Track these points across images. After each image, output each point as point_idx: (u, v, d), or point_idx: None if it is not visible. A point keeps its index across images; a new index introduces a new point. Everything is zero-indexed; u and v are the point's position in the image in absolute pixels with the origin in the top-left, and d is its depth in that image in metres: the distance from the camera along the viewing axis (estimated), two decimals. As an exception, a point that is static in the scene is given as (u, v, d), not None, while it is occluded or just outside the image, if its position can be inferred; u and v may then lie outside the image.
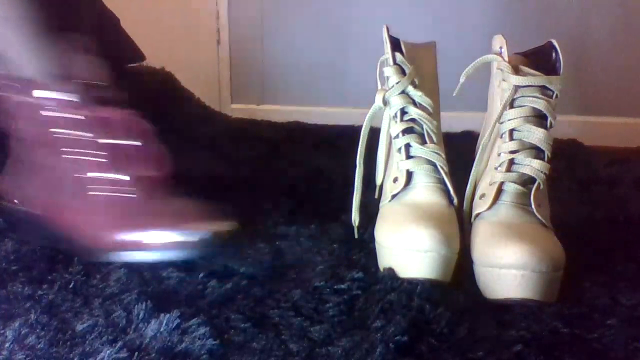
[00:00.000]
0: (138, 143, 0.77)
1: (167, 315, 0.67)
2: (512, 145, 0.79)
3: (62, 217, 0.78)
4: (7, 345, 0.63)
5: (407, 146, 0.83)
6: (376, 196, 0.90)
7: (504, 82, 0.80)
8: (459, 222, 0.81)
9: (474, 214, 0.81)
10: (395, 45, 0.85)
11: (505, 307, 0.71)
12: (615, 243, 0.88)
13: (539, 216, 0.78)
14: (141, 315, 0.68)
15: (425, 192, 0.81)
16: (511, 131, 0.80)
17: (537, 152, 0.79)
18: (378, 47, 0.87)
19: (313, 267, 0.79)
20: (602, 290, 0.75)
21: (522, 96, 0.79)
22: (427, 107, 0.83)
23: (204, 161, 1.06)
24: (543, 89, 0.79)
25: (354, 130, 0.90)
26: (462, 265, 0.77)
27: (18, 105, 0.77)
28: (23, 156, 0.80)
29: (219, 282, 0.74)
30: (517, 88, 0.79)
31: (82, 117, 0.76)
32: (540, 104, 0.79)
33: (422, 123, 0.83)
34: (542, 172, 0.79)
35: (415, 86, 0.83)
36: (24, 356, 0.62)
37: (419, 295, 0.70)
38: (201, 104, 1.33)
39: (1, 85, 0.78)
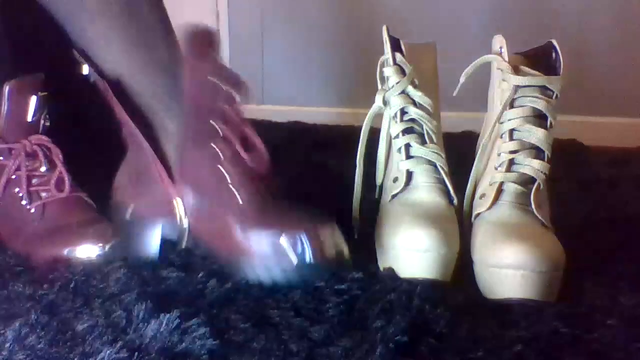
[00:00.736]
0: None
1: (167, 315, 0.67)
2: (512, 145, 0.79)
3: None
4: (7, 345, 0.63)
5: (407, 146, 0.83)
6: (376, 196, 0.90)
7: (504, 82, 0.80)
8: (459, 222, 0.81)
9: (474, 214, 0.81)
10: (395, 45, 0.85)
11: (505, 307, 0.71)
12: (615, 243, 0.88)
13: (539, 216, 0.78)
14: (141, 316, 0.67)
15: (425, 192, 0.81)
16: (511, 131, 0.80)
17: (537, 152, 0.79)
18: (378, 47, 0.87)
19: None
20: (602, 290, 0.75)
21: (522, 96, 0.79)
22: (427, 107, 0.83)
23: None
24: (543, 89, 0.79)
25: (354, 130, 0.90)
26: (462, 265, 0.77)
27: None
28: None
29: (219, 282, 0.74)
30: (517, 88, 0.79)
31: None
32: (540, 104, 0.79)
33: (422, 123, 0.83)
34: (542, 172, 0.79)
35: (415, 86, 0.83)
36: (24, 356, 0.62)
37: (419, 295, 0.70)
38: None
39: None
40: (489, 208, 0.79)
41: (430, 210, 0.79)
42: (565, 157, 1.13)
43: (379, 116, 0.86)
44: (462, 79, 0.82)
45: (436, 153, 0.82)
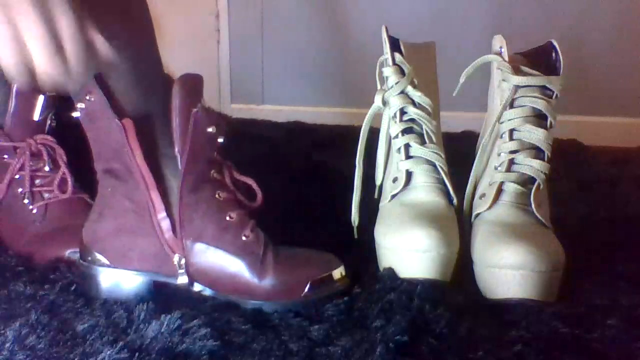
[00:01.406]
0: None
1: (168, 316, 0.67)
2: (512, 145, 0.79)
3: None
4: (7, 345, 0.63)
5: (407, 146, 0.83)
6: (376, 196, 0.90)
7: (504, 82, 0.80)
8: (459, 222, 0.81)
9: (474, 214, 0.81)
10: (395, 45, 0.85)
11: (505, 307, 0.71)
12: (615, 243, 0.88)
13: (538, 216, 0.78)
14: (142, 316, 0.68)
15: (425, 192, 0.81)
16: (511, 131, 0.80)
17: (537, 152, 0.79)
18: (378, 47, 0.87)
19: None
20: (602, 290, 0.75)
21: (522, 96, 0.79)
22: (427, 107, 0.83)
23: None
24: (543, 89, 0.79)
25: (354, 130, 0.90)
26: (462, 265, 0.77)
27: None
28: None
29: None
30: (517, 88, 0.79)
31: None
32: (540, 104, 0.79)
33: (422, 123, 0.83)
34: (542, 172, 0.79)
35: (414, 86, 0.83)
36: (25, 356, 0.62)
37: (419, 295, 0.70)
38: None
39: None
40: (489, 208, 0.79)
41: (429, 210, 0.79)
42: (565, 157, 1.13)
43: (378, 116, 0.86)
44: (462, 79, 0.82)
45: (436, 153, 0.82)
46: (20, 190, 0.85)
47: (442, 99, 0.91)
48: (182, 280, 0.72)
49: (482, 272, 0.75)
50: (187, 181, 0.71)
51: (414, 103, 0.84)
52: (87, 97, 0.68)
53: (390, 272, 0.76)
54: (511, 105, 0.80)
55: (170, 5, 1.63)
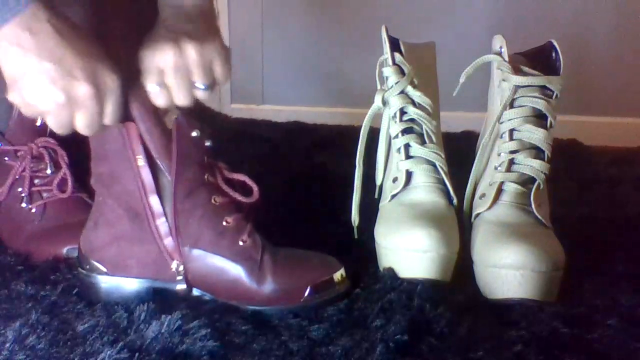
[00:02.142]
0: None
1: (168, 317, 0.67)
2: (512, 145, 0.79)
3: None
4: (7, 345, 0.63)
5: (407, 146, 0.83)
6: (376, 196, 0.90)
7: (504, 82, 0.80)
8: (459, 222, 0.81)
9: (474, 214, 0.81)
10: (395, 45, 0.85)
11: (505, 307, 0.71)
12: (615, 243, 0.88)
13: (538, 216, 0.78)
14: (142, 317, 0.68)
15: (425, 192, 0.81)
16: (511, 131, 0.80)
17: (537, 152, 0.79)
18: (378, 47, 0.87)
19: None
20: (602, 290, 0.75)
21: (522, 96, 0.79)
22: (427, 107, 0.83)
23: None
24: (543, 89, 0.79)
25: (354, 130, 0.90)
26: (462, 265, 0.77)
27: None
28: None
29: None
30: (517, 88, 0.79)
31: None
32: (540, 104, 0.79)
33: (422, 123, 0.83)
34: (542, 172, 0.79)
35: (414, 86, 0.83)
36: (25, 356, 0.62)
37: (419, 295, 0.70)
38: (200, 104, 1.33)
39: None
40: (489, 208, 0.79)
41: (429, 210, 0.79)
42: (565, 157, 1.13)
43: (378, 116, 0.86)
44: (462, 79, 0.82)
45: (436, 153, 0.82)
46: (19, 190, 0.85)
47: (442, 99, 0.91)
48: (181, 286, 0.72)
49: (482, 272, 0.75)
50: (180, 187, 0.71)
51: (414, 103, 0.84)
52: None
53: (390, 272, 0.76)
54: (511, 105, 0.80)
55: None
